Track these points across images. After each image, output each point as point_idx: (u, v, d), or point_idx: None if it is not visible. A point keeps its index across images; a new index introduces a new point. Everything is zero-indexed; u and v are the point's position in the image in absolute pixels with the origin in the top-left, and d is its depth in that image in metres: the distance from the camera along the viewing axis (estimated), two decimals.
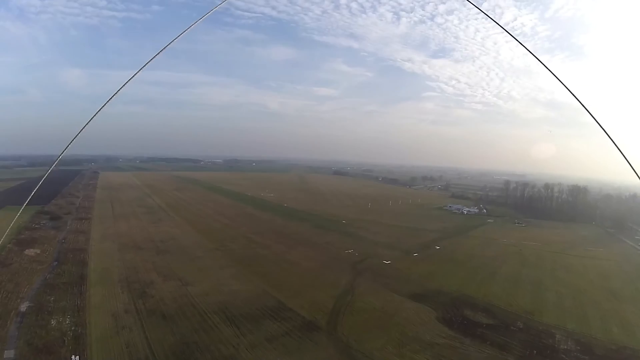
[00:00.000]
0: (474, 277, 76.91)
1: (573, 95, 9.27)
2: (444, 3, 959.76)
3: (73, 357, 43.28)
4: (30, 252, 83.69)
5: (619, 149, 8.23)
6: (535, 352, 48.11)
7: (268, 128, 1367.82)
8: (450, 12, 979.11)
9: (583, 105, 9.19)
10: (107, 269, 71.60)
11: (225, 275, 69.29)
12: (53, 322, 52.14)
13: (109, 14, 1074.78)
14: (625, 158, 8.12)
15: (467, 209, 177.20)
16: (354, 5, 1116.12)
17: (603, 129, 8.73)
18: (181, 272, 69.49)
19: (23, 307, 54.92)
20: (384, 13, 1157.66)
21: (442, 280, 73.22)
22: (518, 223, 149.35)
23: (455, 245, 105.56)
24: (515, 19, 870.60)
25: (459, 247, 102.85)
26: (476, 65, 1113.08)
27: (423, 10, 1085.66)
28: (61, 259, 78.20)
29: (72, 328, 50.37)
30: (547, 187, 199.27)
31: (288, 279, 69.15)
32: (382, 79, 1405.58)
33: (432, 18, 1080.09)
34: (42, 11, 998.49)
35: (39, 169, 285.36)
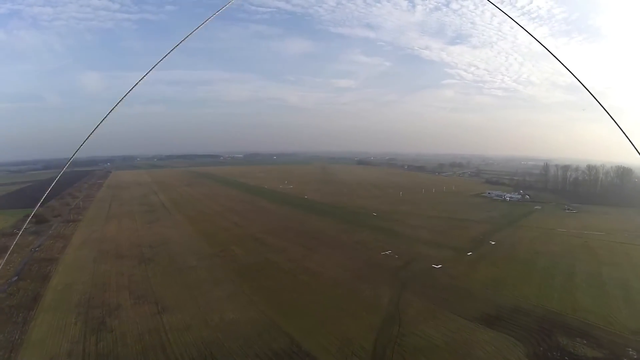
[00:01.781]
0: (550, 283, 56.05)
1: (573, 75, 8.91)
2: None
3: None
4: None
5: (622, 130, 8.09)
6: None
7: (289, 122, 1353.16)
8: None
9: (585, 87, 8.70)
10: (70, 287, 54.40)
11: (220, 294, 50.14)
12: None
13: (122, 16, 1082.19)
14: (630, 140, 7.80)
15: (509, 195, 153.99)
16: None
17: (606, 111, 8.25)
18: (161, 291, 51.17)
19: None
20: (398, 1, 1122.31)
21: (514, 290, 52.60)
22: (568, 209, 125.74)
23: (511, 238, 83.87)
24: (531, 2, 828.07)
25: (517, 241, 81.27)
26: (494, 51, 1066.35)
27: None
28: (23, 273, 61.93)
29: None
30: (591, 169, 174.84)
31: (306, 298, 49.34)
32: (401, 68, 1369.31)
33: (447, 4, 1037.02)
34: (55, 18, 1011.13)
35: (52, 172, 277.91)
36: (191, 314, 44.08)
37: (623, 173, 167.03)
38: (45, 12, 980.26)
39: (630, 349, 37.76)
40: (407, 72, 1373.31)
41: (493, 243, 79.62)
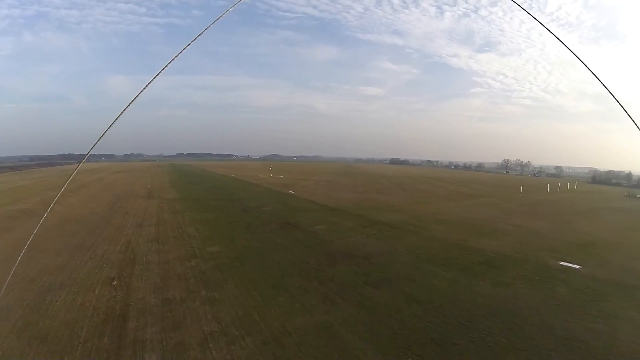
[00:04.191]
0: None
1: (600, 81, 7.34)
2: None
3: None
4: None
5: None
6: None
7: (315, 128, 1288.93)
8: (493, 3, 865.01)
9: (610, 92, 7.25)
10: None
11: None
12: None
13: (149, 20, 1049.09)
14: None
15: None
16: (395, 0, 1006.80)
17: (632, 119, 6.85)
18: None
19: None
20: (426, 8, 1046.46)
21: None
22: None
23: None
24: (559, 8, 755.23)
25: None
26: (523, 59, 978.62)
27: (466, 2, 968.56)
28: None
29: None
30: None
31: None
32: (429, 75, 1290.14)
33: (475, 11, 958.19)
34: (82, 21, 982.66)
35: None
36: None
37: None
38: (72, 15, 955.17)
39: None
40: (435, 80, 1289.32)
41: None
